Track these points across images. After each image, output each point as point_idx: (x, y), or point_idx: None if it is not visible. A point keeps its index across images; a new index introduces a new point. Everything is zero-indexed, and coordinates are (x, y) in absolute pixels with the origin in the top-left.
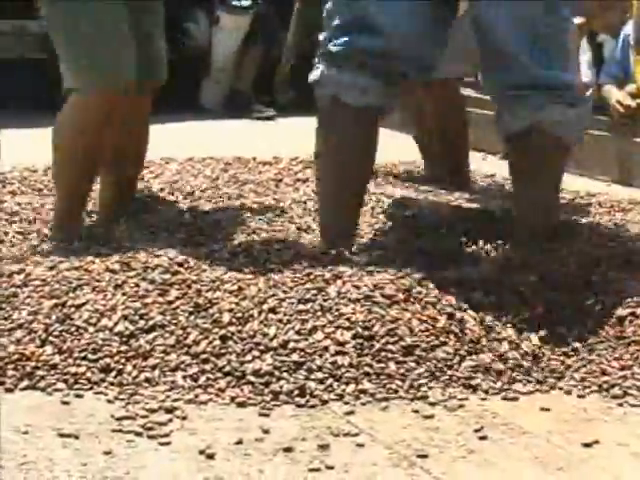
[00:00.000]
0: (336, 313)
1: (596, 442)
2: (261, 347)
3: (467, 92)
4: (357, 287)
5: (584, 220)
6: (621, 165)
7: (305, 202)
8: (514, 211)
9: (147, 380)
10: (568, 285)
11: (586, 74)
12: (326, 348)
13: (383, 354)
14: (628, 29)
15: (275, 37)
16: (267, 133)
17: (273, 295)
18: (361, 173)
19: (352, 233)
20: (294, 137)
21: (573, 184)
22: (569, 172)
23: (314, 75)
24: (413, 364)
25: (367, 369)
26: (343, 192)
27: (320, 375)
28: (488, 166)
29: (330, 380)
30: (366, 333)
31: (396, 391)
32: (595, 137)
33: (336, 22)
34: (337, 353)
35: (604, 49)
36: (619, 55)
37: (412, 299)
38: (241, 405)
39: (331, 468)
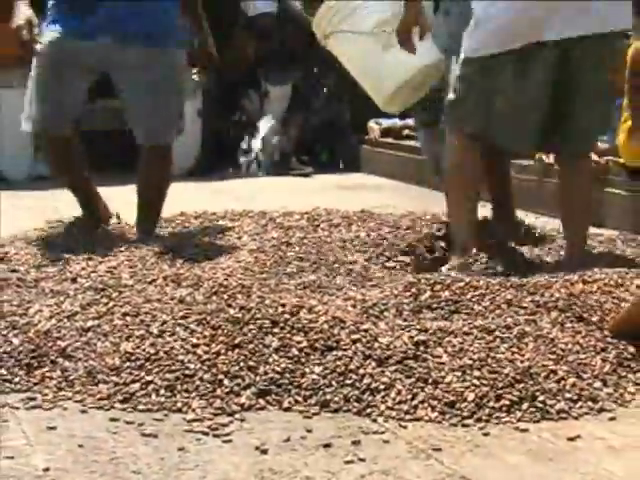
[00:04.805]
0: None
1: (578, 437)
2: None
3: None
4: None
5: None
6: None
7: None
8: None
9: (213, 389)
10: None
11: None
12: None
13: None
14: None
15: (311, 106)
16: (305, 187)
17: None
18: None
19: None
20: (328, 191)
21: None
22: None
23: None
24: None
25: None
26: None
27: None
28: None
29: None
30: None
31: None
32: None
33: None
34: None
35: None
36: None
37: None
38: (288, 409)
39: (362, 460)
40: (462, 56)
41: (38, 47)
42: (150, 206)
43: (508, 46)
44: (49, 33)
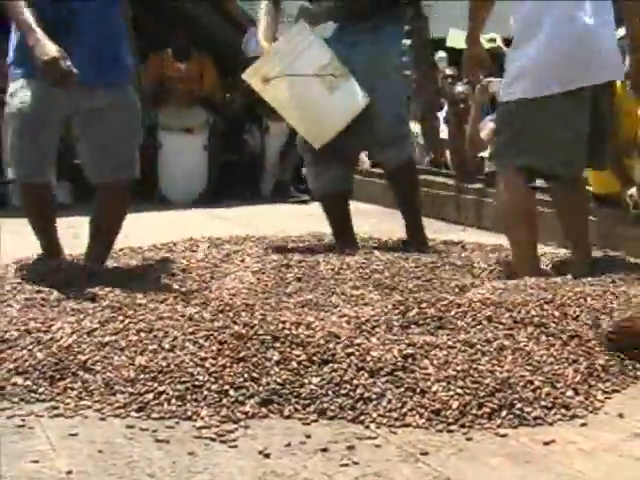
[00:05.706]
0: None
1: (553, 441)
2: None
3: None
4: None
5: None
6: None
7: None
8: None
9: (220, 399)
10: None
11: None
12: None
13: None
14: None
15: None
16: (302, 213)
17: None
18: None
19: None
20: (323, 217)
21: None
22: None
23: None
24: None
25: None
26: None
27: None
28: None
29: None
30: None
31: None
32: None
33: None
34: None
35: None
36: None
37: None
38: (288, 417)
39: (357, 463)
40: (514, 98)
41: (12, 91)
42: (108, 238)
43: (559, 88)
44: (21, 78)
